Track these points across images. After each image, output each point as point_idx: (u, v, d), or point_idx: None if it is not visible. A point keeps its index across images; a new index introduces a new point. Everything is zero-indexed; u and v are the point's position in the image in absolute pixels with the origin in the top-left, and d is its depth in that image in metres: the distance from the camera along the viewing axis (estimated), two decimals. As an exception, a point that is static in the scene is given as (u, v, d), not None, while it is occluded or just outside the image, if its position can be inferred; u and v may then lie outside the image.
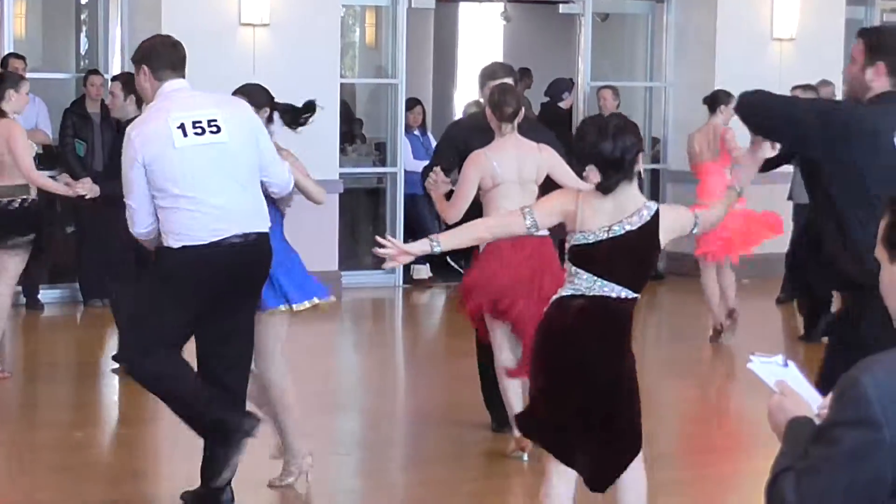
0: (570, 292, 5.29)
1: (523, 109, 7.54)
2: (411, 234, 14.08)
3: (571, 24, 14.96)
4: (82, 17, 14.95)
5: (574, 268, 5.28)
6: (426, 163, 14.29)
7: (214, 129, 6.14)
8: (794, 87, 11.31)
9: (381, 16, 14.84)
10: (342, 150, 14.01)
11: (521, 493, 7.37)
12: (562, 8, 14.81)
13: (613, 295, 5.23)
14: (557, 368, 5.29)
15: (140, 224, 6.18)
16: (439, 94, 18.73)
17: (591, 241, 5.23)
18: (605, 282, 5.22)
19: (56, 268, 12.56)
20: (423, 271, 13.97)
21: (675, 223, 5.34)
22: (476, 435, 8.08)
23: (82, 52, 14.94)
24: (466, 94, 17.05)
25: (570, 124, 14.66)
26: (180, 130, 6.08)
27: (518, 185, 7.30)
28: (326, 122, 12.86)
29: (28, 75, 11.53)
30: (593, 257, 5.23)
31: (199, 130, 6.11)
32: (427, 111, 15.38)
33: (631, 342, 5.38)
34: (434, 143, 14.20)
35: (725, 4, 14.07)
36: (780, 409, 2.79)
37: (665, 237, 5.29)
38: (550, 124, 14.41)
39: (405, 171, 13.74)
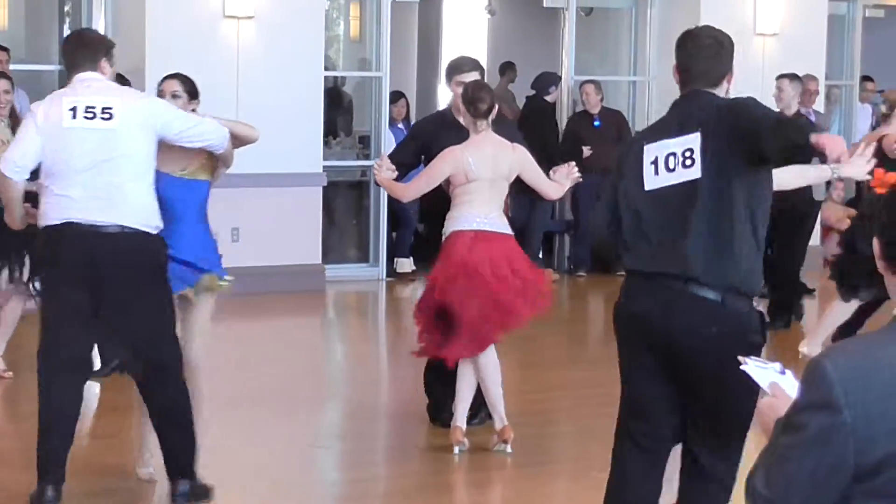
0: None
1: (497, 106, 7.58)
2: (395, 226, 14.10)
3: (556, 18, 14.98)
4: (66, 8, 14.93)
5: None
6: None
7: (107, 115, 6.22)
8: (780, 77, 11.35)
9: (365, 8, 14.84)
10: (326, 144, 14.02)
11: (502, 485, 7.40)
12: (546, 2, 14.82)
13: None
14: None
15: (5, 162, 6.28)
16: (423, 88, 18.74)
17: None
18: None
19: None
20: (406, 265, 13.98)
21: None
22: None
23: (66, 43, 14.90)
24: (450, 87, 17.01)
25: (554, 118, 14.70)
26: (71, 112, 6.20)
27: (489, 183, 7.35)
28: (310, 116, 12.88)
29: (11, 67, 11.53)
30: None
31: (91, 115, 6.21)
32: (411, 104, 15.39)
33: None
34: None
35: (709, -1, 14.12)
36: (770, 409, 2.82)
37: None
38: (536, 117, 14.53)
39: (389, 164, 13.72)
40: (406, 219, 14.10)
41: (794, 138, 4.77)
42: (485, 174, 7.31)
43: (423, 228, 15.03)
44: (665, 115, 5.15)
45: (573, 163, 7.80)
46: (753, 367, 3.00)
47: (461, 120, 7.59)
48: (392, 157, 7.99)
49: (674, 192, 4.90)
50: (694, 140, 4.89)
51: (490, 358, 7.50)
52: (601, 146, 13.91)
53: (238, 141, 6.74)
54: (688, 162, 4.88)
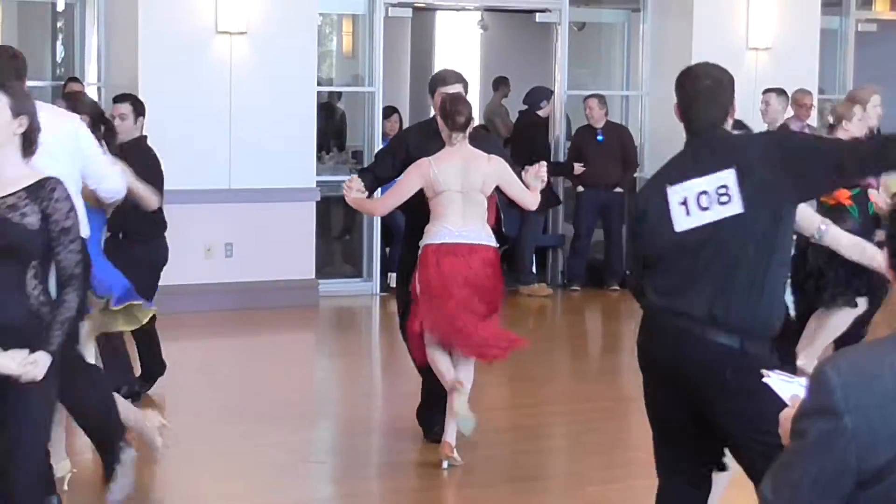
0: None
1: (474, 119, 7.60)
2: (388, 241, 14.09)
3: (548, 32, 15.00)
4: (59, 24, 14.93)
5: None
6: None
7: None
8: (767, 91, 11.36)
9: (357, 24, 14.85)
10: (319, 159, 14.02)
11: (494, 501, 7.38)
12: (538, 17, 14.83)
13: None
14: None
15: None
16: (416, 103, 18.73)
17: None
18: None
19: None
20: (399, 279, 13.96)
21: None
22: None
23: (58, 59, 14.92)
24: (443, 102, 17.00)
25: (546, 132, 14.71)
26: None
27: (461, 195, 7.36)
28: (303, 131, 12.88)
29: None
30: None
31: None
32: (404, 119, 15.40)
33: None
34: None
35: (701, 14, 14.12)
36: (787, 420, 2.84)
37: None
38: (528, 132, 14.54)
39: (382, 179, 13.73)
40: (399, 234, 14.08)
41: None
42: (453, 186, 7.33)
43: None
44: (679, 156, 5.11)
45: (543, 163, 7.72)
46: (777, 380, 3.01)
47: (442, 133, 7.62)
48: (370, 170, 7.99)
49: (708, 230, 4.87)
50: (727, 176, 4.86)
51: (463, 371, 7.52)
52: (604, 161, 13.93)
53: (137, 199, 6.91)
54: (723, 199, 4.85)
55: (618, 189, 14.08)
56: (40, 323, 4.89)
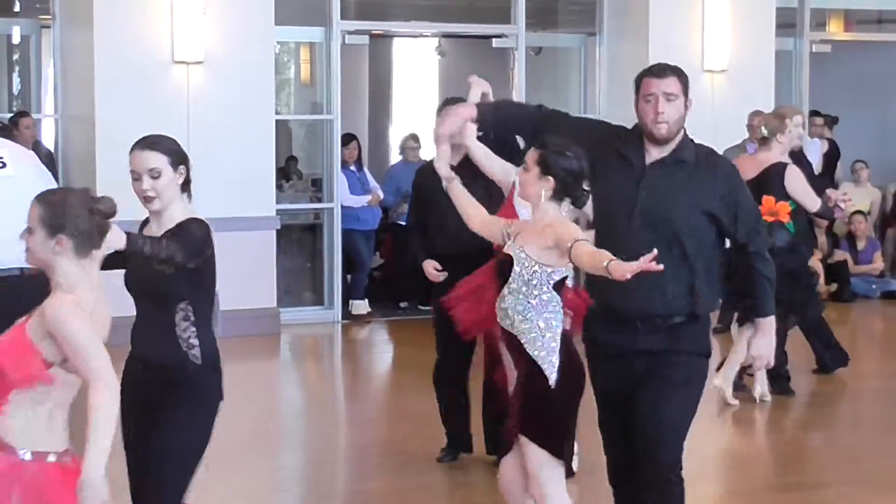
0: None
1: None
2: (350, 269, 14.09)
3: (505, 57, 15.04)
4: (14, 56, 14.89)
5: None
6: (363, 197, 14.33)
7: (0, 164, 6.26)
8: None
9: (315, 52, 14.86)
10: (279, 187, 14.00)
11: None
12: (495, 42, 14.89)
13: None
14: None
15: None
16: (375, 130, 18.77)
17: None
18: None
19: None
20: (361, 307, 13.96)
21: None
22: (417, 468, 8.08)
23: (15, 91, 14.86)
24: (402, 128, 17.08)
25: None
26: None
27: None
28: (262, 160, 12.87)
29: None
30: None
31: None
32: (363, 146, 15.41)
33: None
34: (370, 179, 14.28)
35: (656, 37, 14.21)
36: None
37: None
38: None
39: (342, 206, 13.75)
40: (360, 262, 14.09)
41: None
42: None
43: (379, 276, 15.04)
44: None
45: None
46: None
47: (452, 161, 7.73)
48: (414, 219, 8.24)
49: None
50: None
51: None
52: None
53: None
54: None
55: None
56: (187, 364, 5.02)
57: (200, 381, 5.07)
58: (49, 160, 12.67)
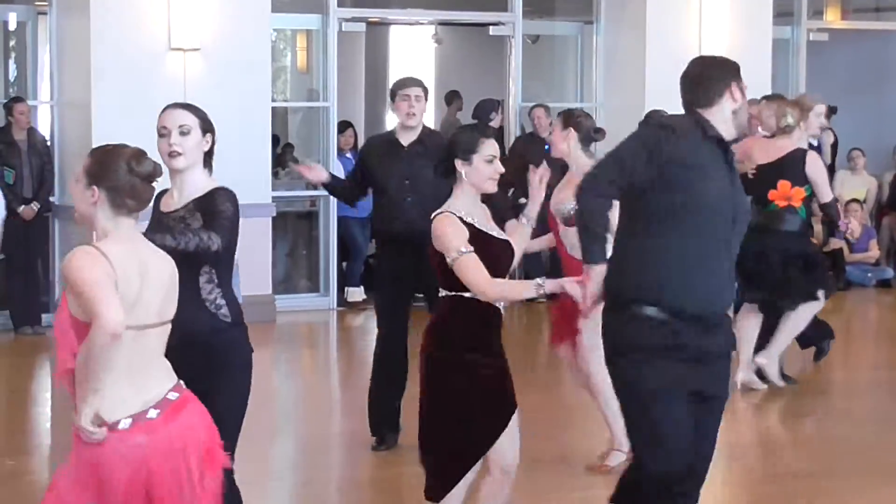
0: None
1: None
2: (345, 256, 14.09)
3: (502, 45, 15.04)
4: (10, 43, 14.86)
5: None
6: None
7: None
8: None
9: (311, 39, 14.85)
10: (274, 174, 13.99)
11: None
12: (492, 30, 14.88)
13: None
14: None
15: None
16: (371, 117, 18.75)
17: None
18: None
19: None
20: (356, 294, 13.96)
21: None
22: (412, 455, 8.07)
23: (11, 78, 14.85)
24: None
25: (502, 143, 14.73)
26: None
27: None
28: (258, 147, 12.86)
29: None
30: None
31: None
32: (359, 134, 15.40)
33: None
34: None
35: (654, 25, 14.19)
36: None
37: None
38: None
39: (338, 193, 13.73)
40: (356, 249, 14.09)
41: None
42: None
43: (374, 263, 15.01)
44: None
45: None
46: None
47: (401, 140, 7.68)
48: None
49: None
50: None
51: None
52: (552, 171, 13.91)
53: None
54: None
55: (568, 199, 14.10)
56: (219, 325, 5.17)
57: (233, 340, 5.28)
58: (45, 147, 12.67)
